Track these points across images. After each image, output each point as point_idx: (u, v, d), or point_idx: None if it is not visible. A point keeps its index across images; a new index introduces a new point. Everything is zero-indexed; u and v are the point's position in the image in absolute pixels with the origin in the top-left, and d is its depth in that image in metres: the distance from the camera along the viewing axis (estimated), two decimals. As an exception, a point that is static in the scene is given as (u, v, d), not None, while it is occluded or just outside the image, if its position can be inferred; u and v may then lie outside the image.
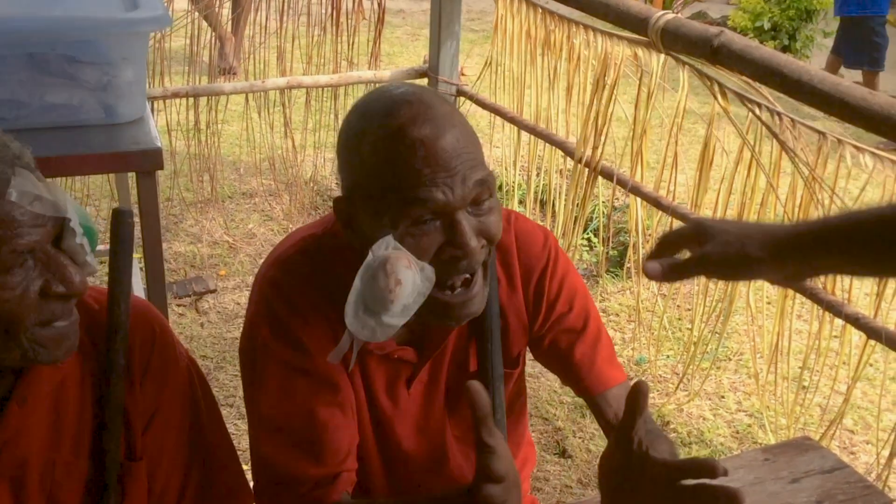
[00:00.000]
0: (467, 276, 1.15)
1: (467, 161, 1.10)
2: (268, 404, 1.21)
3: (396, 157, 1.09)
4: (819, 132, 2.27)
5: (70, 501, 1.10)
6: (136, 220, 1.82)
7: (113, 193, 3.62)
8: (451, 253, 1.11)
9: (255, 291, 1.26)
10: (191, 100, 3.65)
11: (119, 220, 1.09)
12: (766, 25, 6.40)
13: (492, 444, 1.04)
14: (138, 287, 2.50)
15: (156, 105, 3.60)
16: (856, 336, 2.31)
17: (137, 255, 2.30)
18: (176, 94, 3.54)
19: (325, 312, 1.20)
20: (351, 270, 1.14)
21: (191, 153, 3.83)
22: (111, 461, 1.10)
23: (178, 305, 3.32)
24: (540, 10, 3.06)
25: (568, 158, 3.06)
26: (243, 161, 4.41)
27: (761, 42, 5.80)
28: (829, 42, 6.71)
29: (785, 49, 6.21)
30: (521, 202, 3.66)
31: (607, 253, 3.64)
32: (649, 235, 3.06)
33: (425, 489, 1.35)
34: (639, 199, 2.88)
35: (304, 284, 1.22)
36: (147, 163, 1.80)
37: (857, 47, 5.98)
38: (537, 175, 3.40)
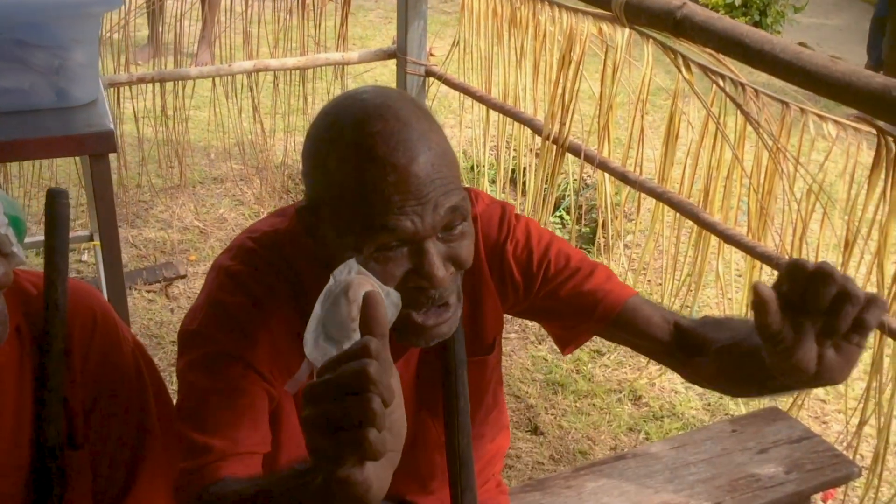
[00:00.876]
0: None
1: (440, 187, 1.05)
2: (193, 379, 1.15)
3: (365, 180, 1.03)
4: (782, 102, 2.27)
5: (11, 491, 1.08)
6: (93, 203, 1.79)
7: (81, 179, 3.58)
8: (418, 282, 1.07)
9: (208, 279, 1.22)
10: (158, 85, 3.61)
11: (53, 200, 1.06)
12: (737, 1, 6.38)
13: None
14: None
15: (122, 91, 3.56)
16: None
17: (96, 243, 2.28)
18: (141, 80, 3.50)
19: (280, 305, 1.17)
20: (312, 268, 1.11)
21: (159, 139, 3.79)
22: (52, 449, 1.08)
23: (148, 291, 3.29)
24: (505, -13, 3.04)
25: (537, 136, 3.04)
26: (214, 146, 4.37)
27: (732, 18, 5.79)
28: (800, 18, 6.71)
29: (756, 25, 6.20)
30: (492, 182, 3.65)
31: (580, 230, 3.63)
32: (618, 211, 3.06)
33: (393, 490, 1.32)
34: (607, 175, 2.88)
35: (263, 275, 1.18)
36: (99, 145, 1.78)
37: (874, 42, 5.97)
38: (507, 153, 3.39)
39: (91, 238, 3.09)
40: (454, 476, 1.30)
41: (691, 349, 1.27)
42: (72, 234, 3.18)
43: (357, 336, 1.01)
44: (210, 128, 4.13)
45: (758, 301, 0.91)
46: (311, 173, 1.11)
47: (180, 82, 3.63)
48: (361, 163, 1.03)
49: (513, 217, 1.31)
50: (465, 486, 1.30)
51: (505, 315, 1.37)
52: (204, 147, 4.42)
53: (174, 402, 1.25)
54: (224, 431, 1.12)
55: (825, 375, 0.96)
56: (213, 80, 3.70)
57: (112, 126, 1.83)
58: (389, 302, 1.04)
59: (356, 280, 1.01)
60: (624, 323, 1.31)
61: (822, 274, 0.90)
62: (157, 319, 3.14)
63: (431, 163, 1.04)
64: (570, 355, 3.00)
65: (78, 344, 1.11)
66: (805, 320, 0.93)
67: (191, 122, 3.94)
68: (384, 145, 1.03)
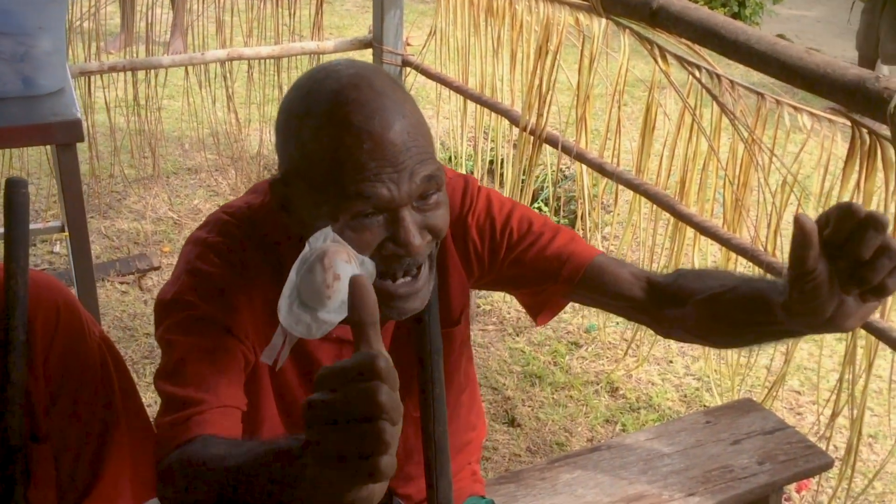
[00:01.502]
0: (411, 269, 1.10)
1: (416, 155, 1.05)
2: (171, 339, 1.14)
3: (340, 147, 1.03)
4: (758, 93, 2.26)
5: (-29, 485, 1.06)
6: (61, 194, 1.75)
7: (52, 169, 3.53)
8: (394, 250, 1.07)
9: (183, 252, 1.21)
10: (130, 74, 3.56)
11: (12, 190, 1.04)
12: (717, -8, 6.41)
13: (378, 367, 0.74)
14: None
15: (93, 80, 3.51)
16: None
17: (66, 234, 2.24)
18: (113, 69, 3.45)
19: (257, 277, 1.16)
20: (288, 242, 1.10)
21: (131, 129, 3.74)
22: (14, 443, 1.05)
23: (121, 283, 3.25)
24: (482, -24, 3.02)
25: (515, 127, 3.03)
26: (187, 136, 4.32)
27: (711, 9, 5.80)
28: (779, 9, 6.74)
29: (735, 16, 6.22)
30: (469, 172, 3.63)
31: (558, 221, 3.62)
32: (596, 203, 3.05)
33: None
34: (584, 166, 2.87)
35: (240, 247, 1.18)
36: (66, 134, 1.74)
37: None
38: (485, 144, 3.37)
39: (63, 229, 3.04)
40: (429, 461, 1.30)
41: (667, 302, 1.27)
42: (43, 226, 3.15)
43: (331, 303, 1.01)
44: (183, 117, 4.08)
45: (800, 233, 0.89)
46: (285, 145, 1.11)
47: (152, 71, 3.58)
48: (336, 131, 1.03)
49: (475, 189, 1.31)
50: (440, 472, 1.30)
51: (484, 307, 1.36)
52: (177, 137, 4.38)
53: (142, 396, 1.23)
54: (204, 385, 1.11)
55: (837, 322, 0.96)
56: (186, 69, 3.65)
57: (79, 115, 1.80)
58: (364, 270, 1.04)
59: (331, 248, 1.02)
60: (592, 282, 1.30)
61: (876, 221, 0.89)
62: (130, 311, 3.10)
63: (407, 131, 1.05)
64: (547, 348, 3.00)
65: (41, 336, 1.08)
66: (840, 264, 0.92)
67: (164, 112, 3.90)
68: (359, 113, 1.03)
